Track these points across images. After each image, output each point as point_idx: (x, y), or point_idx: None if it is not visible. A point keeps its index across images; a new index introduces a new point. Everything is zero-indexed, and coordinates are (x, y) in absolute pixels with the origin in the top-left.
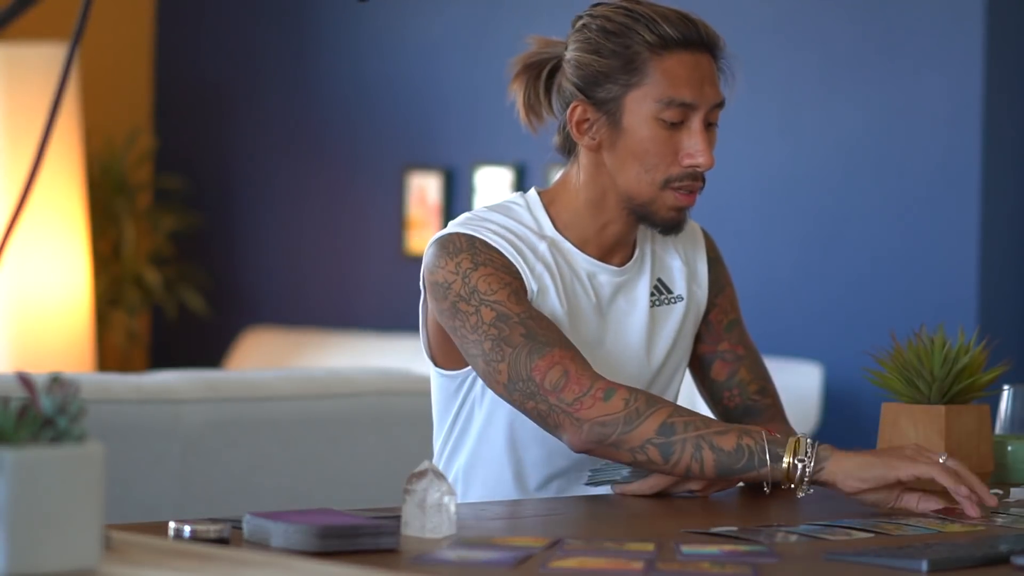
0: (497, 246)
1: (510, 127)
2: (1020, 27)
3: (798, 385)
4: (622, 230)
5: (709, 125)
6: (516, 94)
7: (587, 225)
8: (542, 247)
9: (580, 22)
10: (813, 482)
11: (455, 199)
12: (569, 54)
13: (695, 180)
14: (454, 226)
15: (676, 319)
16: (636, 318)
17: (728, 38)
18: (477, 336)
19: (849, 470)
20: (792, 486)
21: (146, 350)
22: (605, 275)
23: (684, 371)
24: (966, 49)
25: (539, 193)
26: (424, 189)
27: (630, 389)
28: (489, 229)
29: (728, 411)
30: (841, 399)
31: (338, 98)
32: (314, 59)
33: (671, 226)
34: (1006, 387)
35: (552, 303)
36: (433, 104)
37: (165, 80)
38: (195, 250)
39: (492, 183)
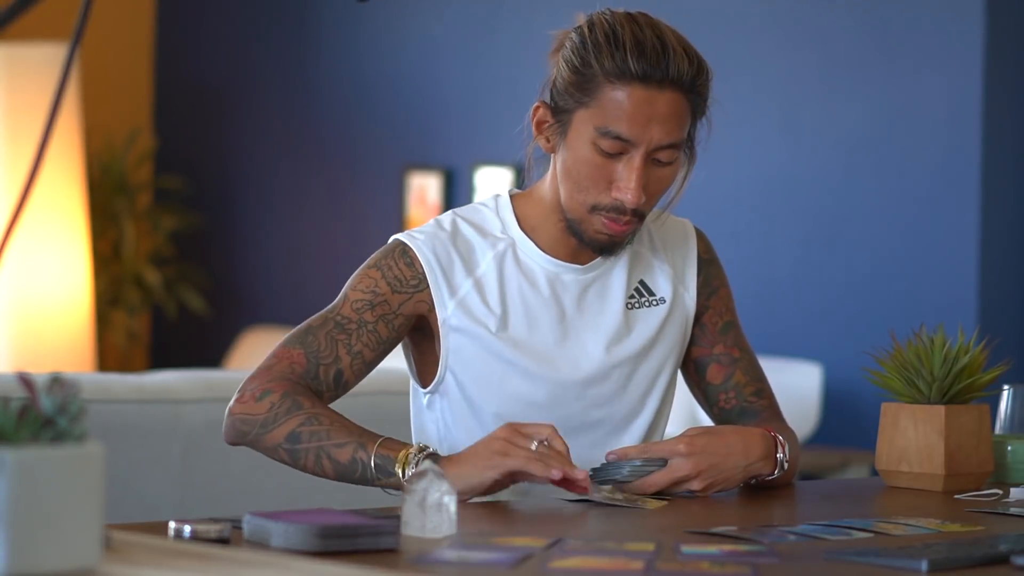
0: (421, 259)
1: (510, 127)
2: (1020, 27)
3: (798, 385)
4: None
5: (659, 163)
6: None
7: (551, 225)
8: (487, 258)
9: (583, 21)
10: None
11: (455, 199)
12: (557, 53)
13: (622, 213)
14: (411, 231)
15: (655, 321)
16: (608, 317)
17: (728, 38)
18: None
19: (451, 485)
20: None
21: (146, 350)
22: (570, 275)
23: (670, 375)
24: (966, 49)
25: (513, 195)
26: (424, 189)
27: (287, 394)
28: (433, 240)
29: (724, 413)
30: (841, 399)
31: (338, 98)
32: (314, 59)
33: (602, 247)
34: (1006, 387)
35: (481, 317)
36: (433, 104)
37: (165, 80)
38: (195, 250)
39: (492, 183)
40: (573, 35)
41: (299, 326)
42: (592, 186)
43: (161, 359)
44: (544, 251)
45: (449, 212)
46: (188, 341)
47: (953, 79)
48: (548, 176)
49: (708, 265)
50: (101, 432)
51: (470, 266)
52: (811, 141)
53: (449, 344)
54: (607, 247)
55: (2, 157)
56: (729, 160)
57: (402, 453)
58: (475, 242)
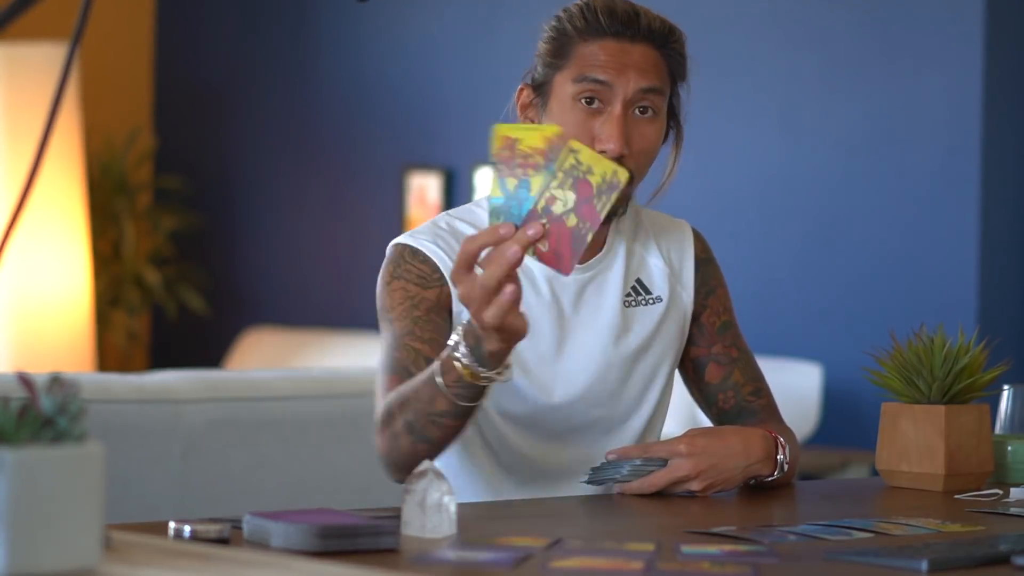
0: (428, 252)
1: None
2: (1020, 27)
3: (798, 385)
4: None
5: (644, 111)
6: None
7: None
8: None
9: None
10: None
11: (455, 199)
12: None
13: None
14: (403, 235)
15: (652, 319)
16: (605, 315)
17: (728, 38)
18: (382, 345)
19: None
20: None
21: (146, 350)
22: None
23: (667, 374)
24: (966, 49)
25: None
26: (424, 189)
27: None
28: (434, 236)
29: (722, 413)
30: (841, 399)
31: (338, 98)
32: (314, 59)
33: None
34: (1006, 387)
35: None
36: (433, 104)
37: (165, 80)
38: (195, 250)
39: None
40: (555, 15)
41: (379, 367)
42: None
43: (161, 359)
44: None
45: (442, 214)
46: (188, 341)
47: (953, 79)
48: None
49: (706, 265)
50: (101, 432)
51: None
52: (811, 141)
53: None
54: None
55: (2, 157)
56: (729, 160)
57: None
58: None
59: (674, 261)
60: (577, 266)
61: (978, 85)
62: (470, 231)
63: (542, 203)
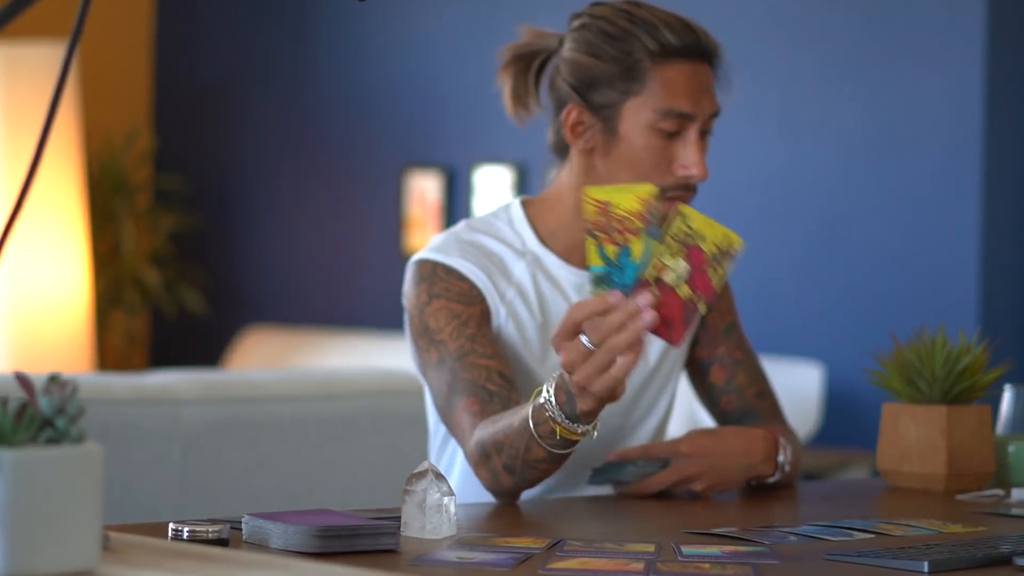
0: (463, 270)
1: (510, 127)
2: (1020, 27)
3: (798, 385)
4: None
5: (704, 134)
6: (504, 83)
7: (575, 230)
8: (519, 268)
9: (579, 21)
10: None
11: (455, 199)
12: (567, 53)
13: (687, 191)
14: (427, 250)
15: None
16: None
17: (727, 38)
18: (428, 371)
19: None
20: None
21: (146, 350)
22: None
23: (678, 375)
24: (966, 49)
25: (524, 203)
26: (424, 189)
27: (475, 441)
28: (462, 253)
29: (726, 415)
30: (841, 399)
31: (338, 98)
32: (314, 59)
33: None
34: (1007, 387)
35: (526, 327)
36: (433, 104)
37: (165, 80)
38: (195, 250)
39: (492, 183)
40: (581, 33)
41: (442, 403)
42: (654, 171)
43: (161, 359)
44: (563, 260)
45: (462, 227)
46: (188, 341)
47: (953, 79)
48: (566, 179)
49: None
50: (100, 432)
51: (506, 273)
52: (811, 141)
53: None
54: None
55: (1, 157)
56: (729, 160)
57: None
58: (500, 251)
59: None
60: None
61: (978, 85)
62: (494, 245)
63: (651, 271)
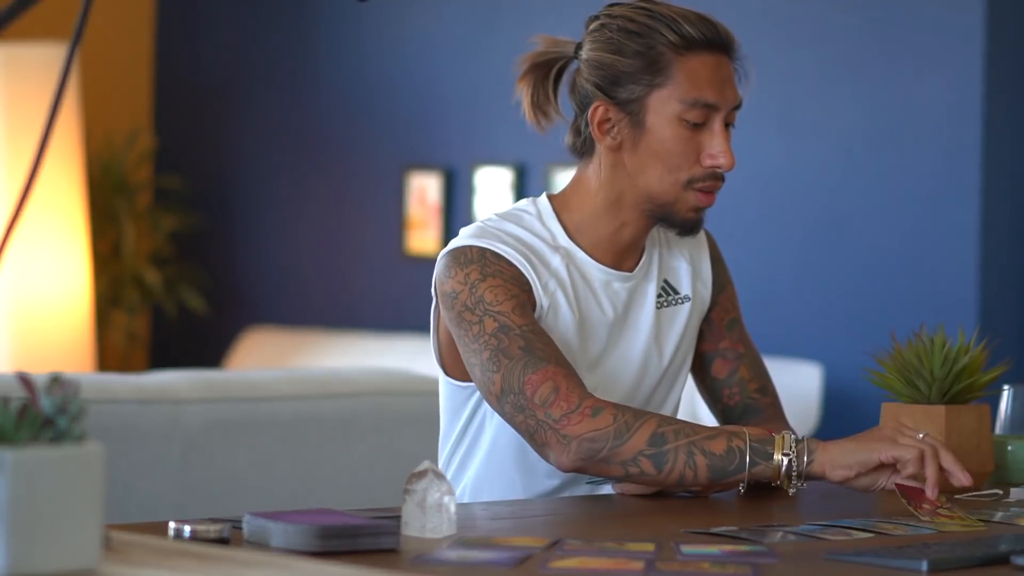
0: (509, 257)
1: (510, 127)
2: (1020, 27)
3: (798, 385)
4: (636, 232)
5: (728, 125)
6: (523, 93)
7: (602, 227)
8: (555, 261)
9: (597, 22)
10: (802, 476)
11: (455, 199)
12: (587, 54)
13: (716, 180)
14: (466, 237)
15: (682, 319)
16: (644, 321)
17: None
18: (477, 345)
19: (835, 459)
20: (780, 483)
21: (146, 350)
22: (619, 282)
23: (688, 369)
24: (966, 49)
25: (550, 198)
26: (424, 189)
27: (616, 405)
28: (503, 241)
29: (728, 409)
30: (841, 399)
31: (338, 98)
32: (314, 59)
33: (690, 226)
34: (1006, 387)
35: (564, 319)
36: (433, 104)
37: (165, 80)
38: (195, 250)
39: (492, 183)
40: (600, 33)
41: (503, 360)
42: (683, 162)
43: (161, 359)
44: (591, 257)
45: (493, 219)
46: (188, 341)
47: (953, 79)
48: (593, 175)
49: (717, 263)
50: (101, 432)
51: (546, 264)
52: (811, 141)
53: None
54: (696, 224)
55: (2, 157)
56: None
57: (778, 438)
58: (534, 243)
59: (695, 259)
60: (623, 273)
61: (978, 85)
62: (529, 237)
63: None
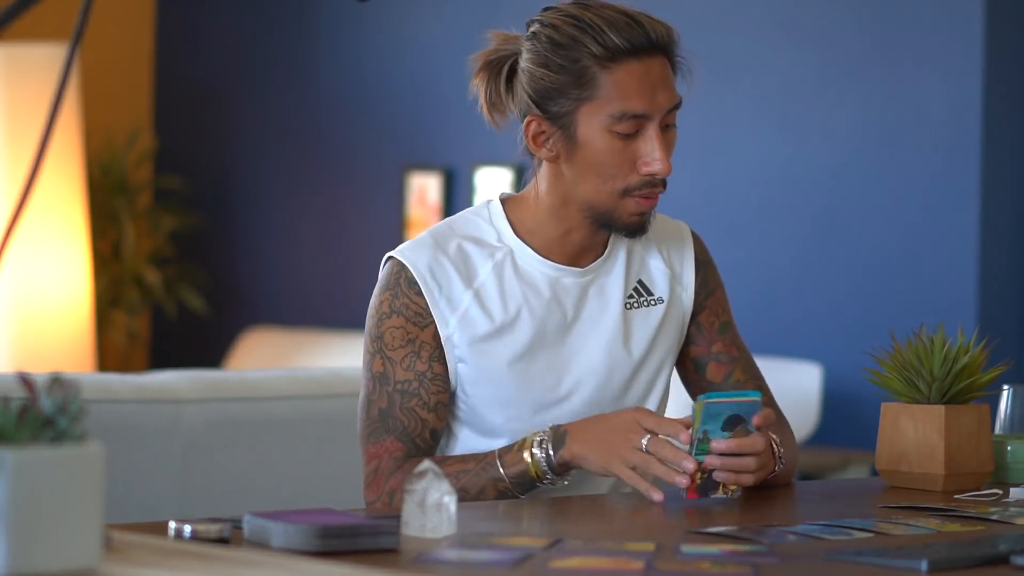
0: (420, 283)
1: (510, 127)
2: (1020, 27)
3: (798, 385)
4: (585, 236)
5: (667, 127)
6: (478, 91)
7: (551, 230)
8: (484, 271)
9: (531, 29)
10: (564, 466)
11: (455, 199)
12: (523, 63)
13: (654, 187)
14: (405, 247)
15: (654, 320)
16: (609, 317)
17: (728, 38)
18: (364, 376)
19: (583, 457)
20: (546, 477)
21: (146, 350)
22: (570, 278)
23: (668, 374)
24: (966, 49)
25: (504, 201)
26: (424, 189)
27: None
28: (428, 255)
29: None
30: (841, 399)
31: (338, 98)
32: (314, 59)
33: (634, 230)
34: (1006, 387)
35: (491, 318)
36: (433, 104)
37: (165, 80)
38: (195, 250)
39: (492, 183)
40: (533, 43)
41: (367, 414)
42: (618, 172)
43: (161, 359)
44: (542, 256)
45: (444, 224)
46: (188, 341)
47: (953, 79)
48: (539, 182)
49: (705, 267)
50: (101, 432)
51: (468, 278)
52: (811, 141)
53: (455, 358)
54: (639, 227)
55: (2, 157)
56: (729, 160)
57: (519, 442)
58: (472, 253)
59: (674, 262)
60: (575, 269)
61: (978, 85)
62: (469, 245)
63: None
